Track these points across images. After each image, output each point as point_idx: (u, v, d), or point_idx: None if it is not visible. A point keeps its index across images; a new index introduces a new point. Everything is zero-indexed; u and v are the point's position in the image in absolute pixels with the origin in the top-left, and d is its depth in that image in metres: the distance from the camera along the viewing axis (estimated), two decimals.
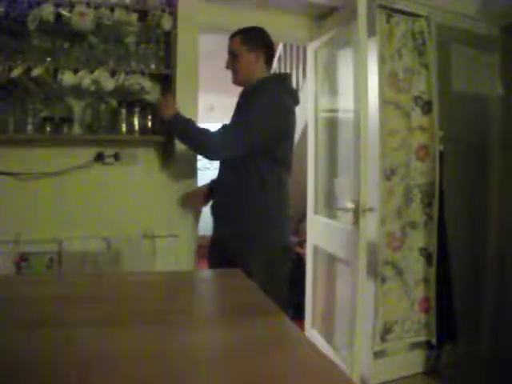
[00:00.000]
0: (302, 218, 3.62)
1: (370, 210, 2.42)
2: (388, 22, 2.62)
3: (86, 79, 2.16)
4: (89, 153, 2.38)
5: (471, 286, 2.93)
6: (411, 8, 2.67)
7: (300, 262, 3.53)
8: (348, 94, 2.50)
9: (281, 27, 2.89)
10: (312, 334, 3.13)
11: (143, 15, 2.30)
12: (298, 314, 3.28)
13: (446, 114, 2.79)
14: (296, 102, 2.13)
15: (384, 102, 2.59)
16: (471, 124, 2.96)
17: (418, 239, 2.74)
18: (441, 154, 2.77)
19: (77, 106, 2.33)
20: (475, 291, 2.97)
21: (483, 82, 3.01)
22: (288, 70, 4.59)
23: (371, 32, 2.48)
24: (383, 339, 2.66)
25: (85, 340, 0.92)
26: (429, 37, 2.72)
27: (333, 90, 2.88)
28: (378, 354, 2.69)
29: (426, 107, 2.72)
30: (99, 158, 2.40)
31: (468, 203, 2.93)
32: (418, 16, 2.69)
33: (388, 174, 2.64)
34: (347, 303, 2.50)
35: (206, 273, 2.00)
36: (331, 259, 2.83)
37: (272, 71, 4.92)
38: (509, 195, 3.02)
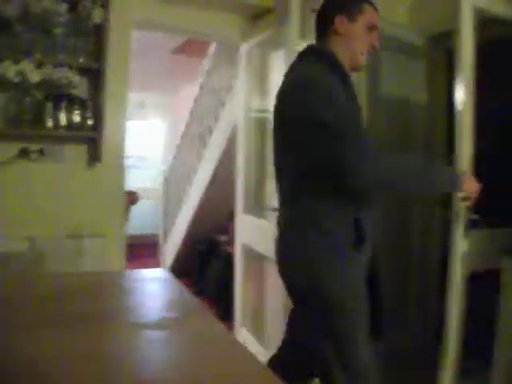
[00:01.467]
0: (231, 216, 3.66)
1: None
2: None
3: (9, 70, 2.06)
4: (12, 148, 2.27)
5: (397, 281, 3.09)
6: None
7: (230, 260, 3.57)
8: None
9: (214, 26, 2.89)
10: (242, 333, 3.17)
11: (73, 6, 2.23)
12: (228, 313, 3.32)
13: (373, 117, 2.91)
14: None
15: None
16: (397, 128, 3.12)
17: None
18: None
19: None
20: (401, 289, 3.14)
21: (410, 89, 3.17)
22: (220, 70, 4.59)
23: (304, 35, 2.54)
24: None
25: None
26: None
27: (264, 91, 2.93)
28: None
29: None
30: (23, 153, 2.29)
31: (393, 204, 3.09)
32: None
33: None
34: (277, 301, 2.55)
35: (134, 273, 1.97)
36: (261, 258, 2.87)
37: (203, 70, 4.92)
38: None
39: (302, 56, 1.63)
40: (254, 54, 3.02)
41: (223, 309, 3.74)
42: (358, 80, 2.75)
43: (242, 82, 3.16)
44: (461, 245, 2.09)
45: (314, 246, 1.47)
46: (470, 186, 1.60)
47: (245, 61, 3.09)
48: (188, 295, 1.29)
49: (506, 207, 2.12)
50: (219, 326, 1.06)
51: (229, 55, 4.47)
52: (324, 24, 1.62)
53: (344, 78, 1.53)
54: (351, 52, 1.60)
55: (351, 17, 1.58)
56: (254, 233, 2.97)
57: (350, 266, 1.52)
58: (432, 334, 3.23)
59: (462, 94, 2.10)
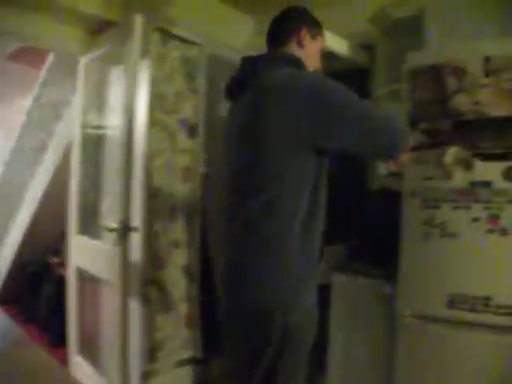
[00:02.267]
0: (63, 237, 3.41)
1: (135, 229, 2.40)
2: (163, 45, 2.66)
3: None
4: None
5: None
6: (187, 35, 2.75)
7: (63, 284, 3.31)
8: (118, 111, 2.46)
9: (55, 36, 2.70)
10: (77, 361, 2.95)
11: None
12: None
13: (210, 138, 2.96)
14: None
15: (152, 122, 2.61)
16: None
17: (181, 258, 2.80)
18: (204, 176, 2.91)
19: None
20: None
21: None
22: (58, 82, 4.30)
23: (145, 53, 2.48)
24: (152, 359, 2.64)
25: None
26: (200, 64, 2.85)
27: (103, 107, 2.81)
28: (148, 375, 2.65)
29: (192, 130, 2.83)
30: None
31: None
32: (192, 43, 2.79)
33: (152, 194, 2.67)
34: (114, 325, 2.42)
35: None
36: (96, 281, 2.72)
37: (41, 81, 4.57)
38: None
39: (275, 61, 1.51)
40: (93, 68, 2.89)
41: (57, 336, 3.45)
42: (195, 101, 2.79)
43: (79, 96, 2.99)
44: None
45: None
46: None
47: (83, 74, 2.94)
48: (13, 325, 1.13)
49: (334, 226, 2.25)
50: (46, 358, 0.94)
51: (68, 67, 4.22)
52: (288, 33, 1.57)
53: None
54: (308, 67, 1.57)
55: (313, 34, 1.59)
56: (89, 254, 2.80)
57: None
58: None
59: None
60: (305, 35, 1.55)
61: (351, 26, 2.69)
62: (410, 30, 2.45)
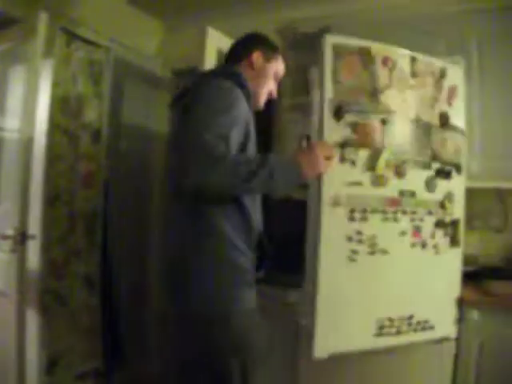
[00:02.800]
0: None
1: (32, 237, 2.28)
2: (68, 46, 2.56)
3: None
4: None
5: (136, 310, 3.07)
6: (93, 37, 2.68)
7: None
8: (17, 113, 2.32)
9: None
10: None
11: None
12: None
13: (113, 143, 2.90)
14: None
15: (53, 126, 2.50)
16: (137, 155, 3.16)
17: (82, 267, 2.71)
18: (106, 182, 2.85)
19: None
20: (141, 315, 3.13)
21: (152, 118, 3.26)
22: None
23: (49, 53, 2.37)
24: (50, 372, 2.51)
25: None
26: (106, 68, 2.78)
27: (1, 108, 2.61)
28: None
29: (95, 135, 2.75)
30: None
31: (132, 229, 3.10)
32: (98, 46, 2.72)
33: (52, 200, 2.55)
34: (10, 338, 2.26)
35: None
36: None
37: None
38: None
39: (214, 73, 1.60)
40: None
41: None
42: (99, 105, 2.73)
43: None
44: None
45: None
46: (325, 158, 1.52)
47: None
48: None
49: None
50: None
51: None
52: (241, 52, 1.64)
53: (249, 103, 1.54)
54: (257, 88, 1.62)
55: (267, 57, 1.64)
56: None
57: None
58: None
59: None
60: (257, 57, 1.63)
61: None
62: (315, 45, 2.58)
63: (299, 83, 2.51)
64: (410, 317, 1.80)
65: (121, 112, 2.99)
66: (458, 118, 1.94)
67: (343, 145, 1.69)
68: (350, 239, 1.70)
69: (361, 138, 1.72)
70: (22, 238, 2.22)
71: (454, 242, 1.91)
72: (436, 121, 1.87)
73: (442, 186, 1.87)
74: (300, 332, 1.97)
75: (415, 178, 1.81)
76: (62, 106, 2.56)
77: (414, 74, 1.82)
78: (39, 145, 2.40)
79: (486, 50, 2.29)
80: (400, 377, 1.89)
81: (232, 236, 1.44)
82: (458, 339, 1.96)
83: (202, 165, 1.27)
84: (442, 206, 1.87)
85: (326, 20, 2.65)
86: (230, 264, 1.44)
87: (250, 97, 1.54)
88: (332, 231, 1.68)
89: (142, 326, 3.16)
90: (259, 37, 1.71)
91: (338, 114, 1.71)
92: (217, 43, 2.30)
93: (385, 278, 1.78)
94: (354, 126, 1.71)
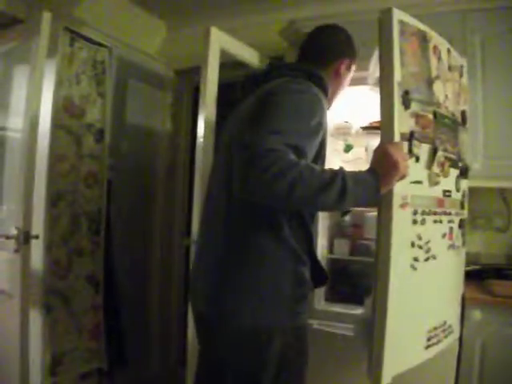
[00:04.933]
0: None
1: (35, 236, 2.29)
2: (71, 45, 2.56)
3: None
4: None
5: (139, 311, 3.08)
6: (96, 37, 2.68)
7: None
8: (20, 113, 2.32)
9: None
10: None
11: None
12: None
13: (116, 143, 2.90)
14: None
15: (56, 126, 2.50)
16: (140, 155, 3.17)
17: (85, 267, 2.71)
18: (109, 182, 2.85)
19: None
20: (143, 315, 3.14)
21: (155, 118, 3.27)
22: None
23: (52, 52, 2.37)
24: (53, 373, 2.51)
25: None
26: (109, 68, 2.77)
27: (5, 107, 2.62)
28: None
29: (98, 135, 2.76)
30: None
31: (135, 229, 3.11)
32: (101, 45, 2.72)
33: (55, 200, 2.56)
34: (12, 338, 2.27)
35: None
36: None
37: None
38: (170, 221, 3.35)
39: (293, 71, 1.43)
40: None
41: None
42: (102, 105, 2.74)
43: None
44: None
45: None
46: (404, 168, 1.30)
47: None
48: None
49: None
50: None
51: None
52: (328, 56, 1.55)
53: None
54: (333, 95, 1.56)
55: (349, 65, 1.59)
56: None
57: None
58: (174, 360, 3.34)
59: (202, 126, 2.24)
60: (343, 66, 1.57)
61: (261, 36, 2.79)
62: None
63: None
64: (444, 323, 1.67)
65: (124, 111, 3.00)
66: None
67: (410, 138, 1.44)
68: (412, 245, 1.48)
69: (421, 130, 1.50)
70: (25, 237, 2.22)
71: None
72: (459, 119, 1.76)
73: (462, 185, 1.78)
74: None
75: (451, 178, 1.67)
76: (65, 105, 2.56)
77: (450, 68, 1.68)
78: (42, 144, 2.40)
79: (489, 50, 2.29)
80: (402, 376, 1.88)
81: (296, 247, 1.34)
82: (460, 338, 1.97)
83: (281, 179, 1.09)
84: (462, 206, 1.78)
85: (329, 20, 2.65)
86: (294, 276, 1.34)
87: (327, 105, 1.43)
88: (399, 236, 1.40)
89: (144, 326, 3.18)
90: (349, 42, 1.62)
91: (406, 101, 1.45)
92: (220, 43, 2.29)
93: (435, 286, 1.62)
94: (418, 117, 1.49)
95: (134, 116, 3.07)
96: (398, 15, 1.47)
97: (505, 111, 2.27)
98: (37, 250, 2.37)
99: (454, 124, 1.69)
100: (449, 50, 1.69)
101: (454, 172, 1.68)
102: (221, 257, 1.35)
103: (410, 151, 1.44)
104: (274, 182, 1.08)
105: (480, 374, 1.99)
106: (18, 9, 2.41)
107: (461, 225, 1.75)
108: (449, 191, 1.64)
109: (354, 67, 1.62)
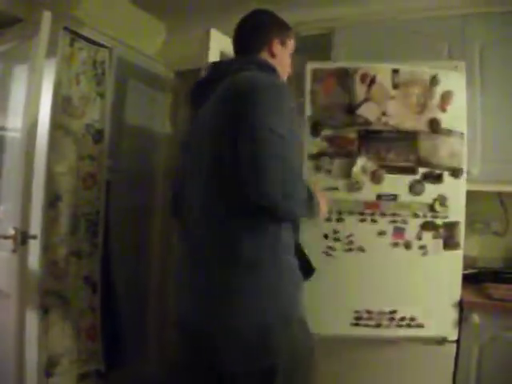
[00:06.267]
0: None
1: (33, 237, 2.29)
2: (71, 45, 2.56)
3: None
4: None
5: (136, 311, 3.08)
6: (96, 37, 2.67)
7: None
8: (19, 113, 2.32)
9: None
10: None
11: None
12: None
13: (115, 144, 2.90)
14: None
15: (55, 126, 2.49)
16: (139, 156, 3.18)
17: (83, 268, 2.70)
18: (108, 183, 2.85)
19: None
20: (140, 316, 3.13)
21: (154, 119, 3.28)
22: None
23: (52, 53, 2.38)
24: (49, 374, 2.50)
25: None
26: (109, 68, 2.77)
27: (4, 107, 2.61)
28: None
29: (98, 136, 2.75)
30: None
31: (133, 230, 3.10)
32: (101, 46, 2.72)
33: (53, 201, 2.55)
34: (9, 339, 2.27)
35: None
36: None
37: None
38: (169, 222, 3.34)
39: (244, 65, 1.44)
40: None
41: None
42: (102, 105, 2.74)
43: None
44: None
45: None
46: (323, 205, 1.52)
47: None
48: None
49: None
50: None
51: None
52: (259, 41, 1.54)
53: None
54: (284, 73, 1.58)
55: (283, 41, 1.57)
56: None
57: None
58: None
59: None
60: (276, 45, 1.55)
61: None
62: (317, 47, 2.57)
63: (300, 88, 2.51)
64: (392, 312, 1.97)
65: (123, 112, 3.00)
66: (455, 123, 1.99)
67: (317, 156, 2.00)
68: (326, 237, 2.01)
69: (337, 149, 1.99)
70: (23, 238, 2.22)
71: (450, 244, 1.98)
72: (425, 127, 1.98)
73: (431, 189, 1.98)
74: None
75: (397, 183, 1.98)
76: (65, 105, 2.55)
77: (395, 86, 1.98)
78: (41, 144, 2.39)
79: (487, 55, 2.31)
80: (400, 379, 1.90)
81: (288, 241, 1.39)
82: (458, 342, 1.97)
83: (286, 186, 1.21)
84: (432, 208, 1.98)
85: (328, 23, 2.67)
86: (294, 273, 1.39)
87: None
88: (310, 230, 1.91)
89: (142, 327, 3.17)
90: (272, 19, 1.60)
91: (316, 129, 1.99)
92: (220, 44, 2.30)
93: (362, 273, 1.99)
94: (331, 139, 1.99)
95: (133, 117, 3.07)
96: (311, 66, 2.03)
97: (503, 116, 2.28)
98: (34, 250, 2.36)
99: (402, 135, 1.98)
100: (395, 71, 1.98)
101: (406, 178, 1.97)
102: (214, 270, 1.33)
103: (319, 166, 2.00)
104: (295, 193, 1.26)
105: (477, 377, 2.00)
106: (17, 9, 2.42)
107: (427, 226, 1.98)
108: (391, 195, 1.98)
109: (289, 40, 1.61)
